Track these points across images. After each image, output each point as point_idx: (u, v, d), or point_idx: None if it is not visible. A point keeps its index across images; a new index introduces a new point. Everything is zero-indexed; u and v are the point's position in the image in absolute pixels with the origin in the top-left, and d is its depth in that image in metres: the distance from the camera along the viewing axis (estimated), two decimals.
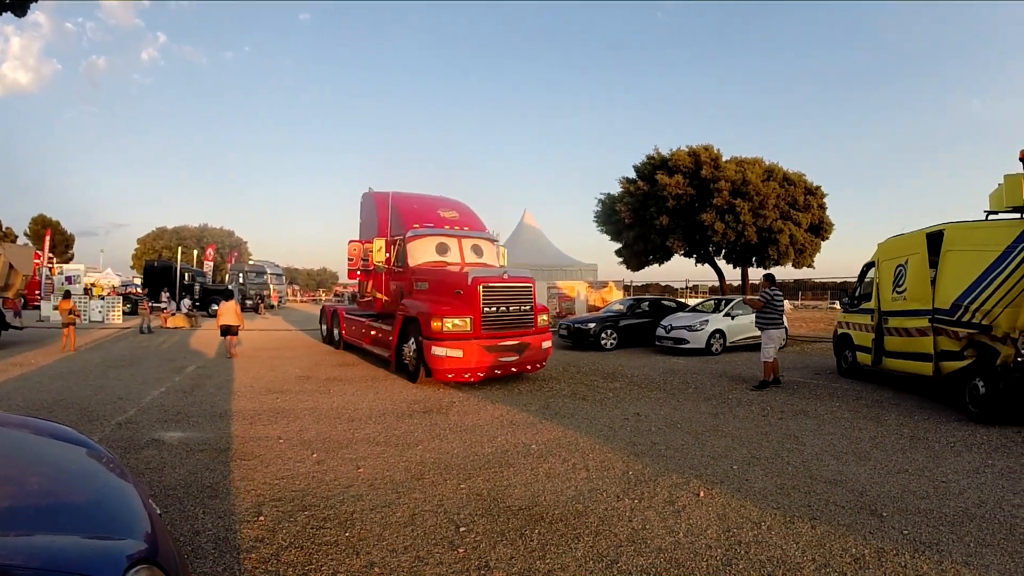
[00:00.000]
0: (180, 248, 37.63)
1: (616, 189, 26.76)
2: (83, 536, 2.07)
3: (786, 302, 25.03)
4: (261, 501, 4.86)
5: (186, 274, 32.85)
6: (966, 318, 8.36)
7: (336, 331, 16.59)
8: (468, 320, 10.10)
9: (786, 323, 18.21)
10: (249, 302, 34.04)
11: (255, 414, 8.12)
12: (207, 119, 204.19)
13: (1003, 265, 7.95)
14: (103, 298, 27.73)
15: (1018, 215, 8.25)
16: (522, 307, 10.88)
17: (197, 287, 33.08)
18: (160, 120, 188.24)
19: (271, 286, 38.83)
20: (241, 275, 38.35)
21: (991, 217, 8.78)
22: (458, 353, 9.92)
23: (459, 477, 5.59)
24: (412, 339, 10.80)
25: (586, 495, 5.14)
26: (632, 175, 26.08)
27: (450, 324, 10.00)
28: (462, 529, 4.36)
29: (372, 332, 13.19)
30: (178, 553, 2.40)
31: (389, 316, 12.51)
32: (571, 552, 4.01)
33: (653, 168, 24.56)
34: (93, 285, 33.25)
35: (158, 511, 2.55)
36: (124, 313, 28.91)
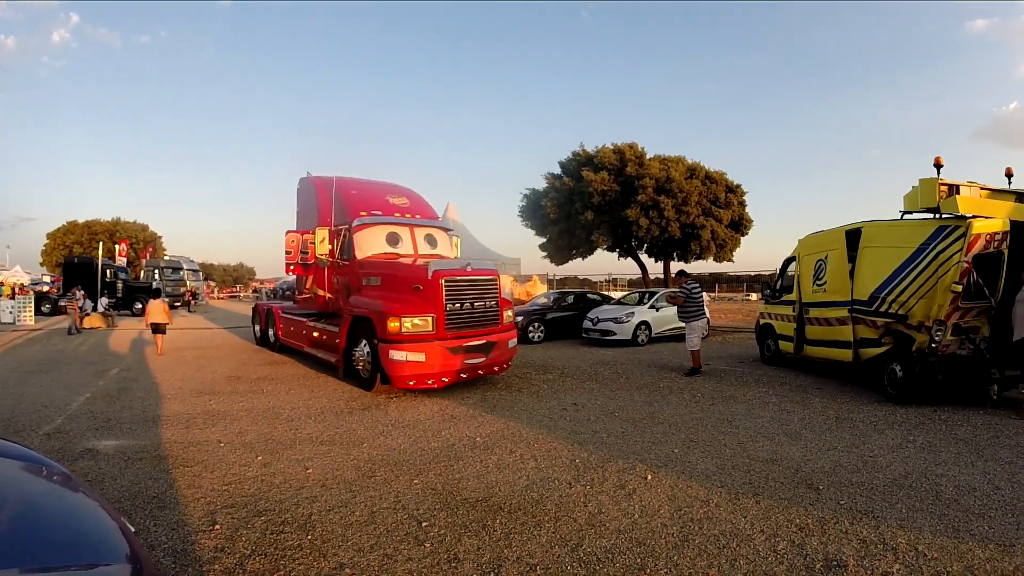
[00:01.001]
0: (101, 243, 35.59)
1: (542, 185, 27.23)
2: (72, 569, 1.92)
3: (704, 294, 26.10)
4: (213, 509, 4.71)
5: (108, 271, 31.08)
6: (883, 308, 9.02)
7: (272, 331, 15.29)
8: (430, 319, 9.07)
9: (708, 313, 19.02)
10: (167, 300, 32.75)
11: (189, 417, 7.84)
12: (120, 106, 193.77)
13: (918, 260, 8.62)
14: (13, 297, 26.03)
15: (931, 215, 8.87)
16: (487, 303, 9.92)
17: (120, 284, 31.42)
18: (71, 106, 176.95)
19: (188, 282, 37.39)
20: (157, 271, 36.81)
21: (906, 216, 9.40)
22: (420, 357, 8.86)
23: (411, 473, 5.59)
24: (364, 342, 9.76)
25: (539, 484, 5.27)
26: (558, 171, 26.55)
27: (409, 324, 8.95)
28: (424, 524, 4.38)
29: (314, 334, 12.06)
30: (159, 570, 2.25)
31: (333, 315, 11.59)
32: (535, 539, 4.12)
33: (579, 165, 25.06)
34: (2, 283, 31.03)
35: (132, 528, 2.39)
36: (44, 313, 27.26)
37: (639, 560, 3.80)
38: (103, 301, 26.44)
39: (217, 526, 4.37)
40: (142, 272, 37.42)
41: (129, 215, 68.20)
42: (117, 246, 37.86)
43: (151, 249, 53.54)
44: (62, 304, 22.99)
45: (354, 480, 5.39)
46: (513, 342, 10.53)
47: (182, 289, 35.86)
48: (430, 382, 9.11)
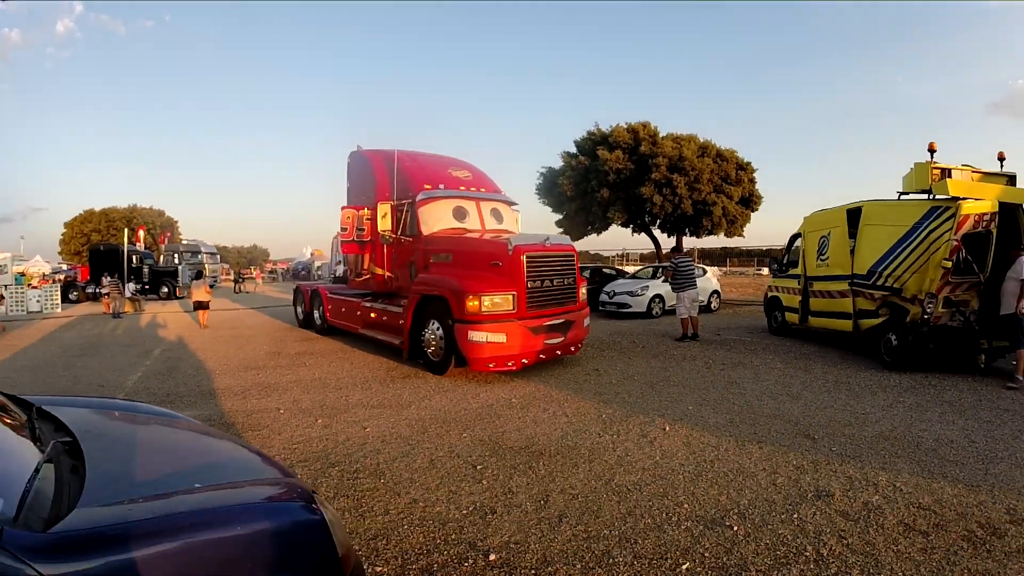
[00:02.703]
0: (125, 230, 36.31)
1: (557, 163, 27.86)
2: (270, 482, 2.38)
3: (714, 268, 26.92)
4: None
5: (134, 257, 31.77)
6: (880, 282, 9.71)
7: (317, 313, 14.65)
8: (511, 297, 8.57)
9: (715, 283, 20.23)
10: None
11: (243, 390, 8.31)
12: (126, 93, 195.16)
13: (912, 238, 9.30)
14: (35, 287, 26.77)
15: (925, 196, 9.54)
16: (566, 279, 9.47)
17: (146, 270, 32.14)
18: (77, 95, 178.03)
19: (207, 265, 38.01)
20: (176, 255, 37.43)
21: (903, 197, 10.10)
22: (500, 338, 8.41)
23: (459, 428, 6.32)
24: (435, 323, 9.21)
25: (572, 435, 6.06)
26: (573, 150, 27.12)
27: (489, 303, 8.43)
28: (479, 467, 5.13)
29: (372, 315, 11.38)
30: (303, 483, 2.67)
31: (393, 295, 11.04)
32: (575, 475, 4.91)
33: (594, 144, 25.64)
34: (23, 273, 31.83)
35: (270, 456, 2.84)
36: (71, 300, 28.12)
37: (662, 490, 4.60)
38: (130, 286, 27.09)
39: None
40: (161, 257, 38.07)
41: (144, 201, 68.71)
42: (141, 234, 38.56)
43: (168, 234, 54.05)
44: (104, 292, 23.49)
45: (409, 436, 6.07)
46: (588, 320, 10.20)
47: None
48: (510, 364, 8.71)
